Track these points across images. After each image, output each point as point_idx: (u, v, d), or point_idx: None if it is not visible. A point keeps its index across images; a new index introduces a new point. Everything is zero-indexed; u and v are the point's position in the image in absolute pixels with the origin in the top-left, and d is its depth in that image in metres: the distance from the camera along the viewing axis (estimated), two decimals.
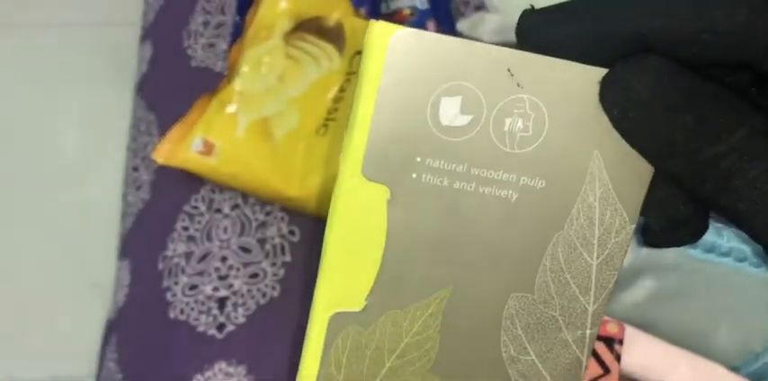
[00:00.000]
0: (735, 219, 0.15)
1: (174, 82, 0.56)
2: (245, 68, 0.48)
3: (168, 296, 0.47)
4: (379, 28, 0.17)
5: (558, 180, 0.18)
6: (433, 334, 0.19)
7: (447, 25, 0.52)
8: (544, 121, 0.18)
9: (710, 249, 0.30)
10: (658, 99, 0.15)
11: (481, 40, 0.52)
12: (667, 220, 0.18)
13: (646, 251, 0.31)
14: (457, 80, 0.17)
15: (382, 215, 0.18)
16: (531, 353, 0.20)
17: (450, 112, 0.17)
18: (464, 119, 0.17)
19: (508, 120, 0.17)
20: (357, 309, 0.19)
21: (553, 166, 0.18)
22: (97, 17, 1.07)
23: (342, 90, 0.48)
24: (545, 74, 0.17)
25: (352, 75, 0.48)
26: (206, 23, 0.56)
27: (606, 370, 0.32)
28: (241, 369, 0.44)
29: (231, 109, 0.48)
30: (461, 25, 0.52)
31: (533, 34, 0.17)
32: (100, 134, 1.00)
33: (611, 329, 0.33)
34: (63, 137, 1.02)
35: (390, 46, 0.17)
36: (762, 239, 0.15)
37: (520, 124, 0.18)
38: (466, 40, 0.17)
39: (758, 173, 0.14)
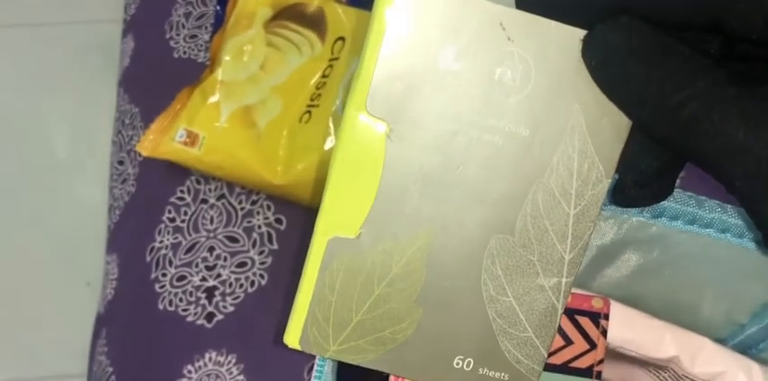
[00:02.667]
0: (702, 163, 0.16)
1: (157, 74, 0.56)
2: (226, 57, 0.48)
3: (156, 287, 0.47)
4: None
5: (541, 129, 0.20)
6: (419, 267, 0.21)
7: None
8: (530, 74, 0.19)
9: (692, 221, 0.30)
10: (632, 52, 0.17)
11: None
12: (639, 174, 0.19)
13: (628, 225, 0.31)
14: (454, 30, 0.19)
15: (381, 149, 0.20)
16: (509, 294, 0.21)
17: (448, 59, 0.19)
18: (458, 66, 0.19)
19: (498, 70, 0.19)
20: (352, 236, 0.20)
21: (536, 116, 0.20)
22: (85, 15, 1.07)
23: (324, 76, 0.48)
24: (534, 31, 0.19)
25: (333, 61, 0.48)
26: (188, 15, 0.56)
27: (592, 345, 0.32)
28: (231, 358, 0.44)
29: (214, 98, 0.48)
30: None
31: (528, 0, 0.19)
32: (90, 131, 1.00)
33: (596, 304, 0.33)
34: (53, 135, 1.02)
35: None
36: (727, 180, 0.16)
37: (509, 75, 0.19)
38: None
39: (719, 116, 0.16)
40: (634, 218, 0.30)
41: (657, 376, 0.34)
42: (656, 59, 0.17)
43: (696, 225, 0.30)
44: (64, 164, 1.00)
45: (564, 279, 0.22)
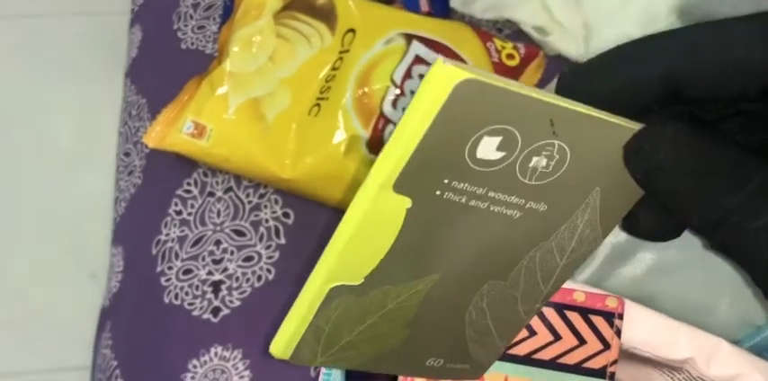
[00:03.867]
0: (740, 263, 0.17)
1: (165, 65, 0.55)
2: (235, 49, 0.48)
3: (162, 280, 0.46)
4: (446, 71, 0.17)
5: (558, 206, 0.21)
6: (414, 304, 0.22)
7: (439, 2, 0.51)
8: (565, 162, 0.20)
9: None
10: (676, 167, 0.18)
11: (474, 17, 0.51)
12: (660, 224, 0.20)
13: None
14: (503, 124, 0.18)
15: (399, 219, 0.20)
16: (488, 318, 0.24)
17: (488, 148, 0.19)
18: (497, 155, 0.19)
19: (535, 159, 0.19)
20: (355, 283, 0.21)
21: (558, 196, 0.21)
22: (91, 6, 1.06)
23: (334, 68, 0.47)
24: (580, 127, 0.19)
25: (344, 53, 0.47)
26: (196, 5, 0.55)
27: (606, 345, 0.32)
28: (237, 353, 0.43)
29: (222, 90, 0.47)
30: (454, 2, 0.51)
31: (573, 93, 0.19)
32: (96, 123, 0.99)
33: (611, 303, 0.32)
34: (59, 127, 1.01)
35: (453, 89, 0.17)
36: (762, 285, 0.17)
37: (543, 163, 0.20)
38: (523, 92, 0.18)
39: (761, 226, 0.16)
40: None
41: (672, 378, 0.33)
42: (702, 171, 0.17)
43: None
44: (69, 156, 1.00)
45: (538, 305, 0.24)
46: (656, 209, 0.20)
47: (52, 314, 0.93)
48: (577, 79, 0.20)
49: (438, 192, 0.19)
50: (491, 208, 0.20)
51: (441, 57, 0.18)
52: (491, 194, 0.20)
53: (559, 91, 0.20)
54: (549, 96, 0.18)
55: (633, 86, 0.19)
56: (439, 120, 0.18)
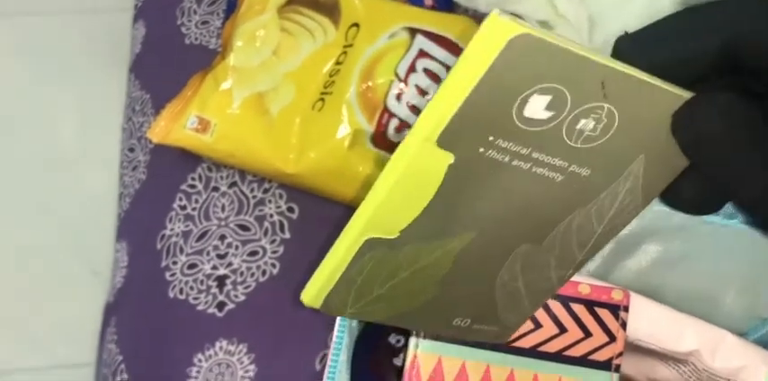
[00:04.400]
0: None
1: (169, 60, 0.55)
2: (238, 43, 0.48)
3: (167, 275, 0.46)
4: (501, 25, 0.17)
5: (601, 171, 0.20)
6: (447, 262, 0.22)
7: None
8: (612, 127, 0.19)
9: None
10: (727, 138, 0.17)
11: (478, 10, 0.51)
12: (702, 197, 0.20)
13: (650, 215, 0.30)
14: (554, 83, 0.18)
15: (440, 175, 0.20)
16: (520, 282, 0.24)
17: (536, 107, 0.18)
18: (545, 114, 0.19)
19: (583, 121, 0.19)
20: (390, 237, 0.21)
21: (602, 161, 0.20)
22: (93, 3, 1.06)
23: (338, 63, 0.47)
24: (631, 91, 0.19)
25: (348, 47, 0.47)
26: (199, 0, 0.55)
27: (612, 338, 0.32)
28: (242, 347, 0.43)
29: (226, 85, 0.47)
30: None
31: (630, 60, 0.18)
32: (99, 120, 0.99)
33: (616, 296, 0.32)
34: (62, 125, 1.01)
35: (507, 44, 0.17)
36: None
37: (591, 125, 0.19)
38: (577, 52, 0.17)
39: None
40: (656, 208, 0.30)
41: (677, 370, 0.33)
42: (749, 145, 0.17)
43: (720, 215, 0.29)
44: (73, 154, 1.00)
45: (570, 272, 0.24)
46: (699, 182, 0.20)
47: (54, 311, 0.93)
48: (634, 44, 0.19)
49: (481, 150, 0.19)
50: (533, 170, 0.20)
51: (497, 10, 0.17)
52: (535, 155, 0.19)
53: (615, 55, 0.19)
54: (603, 58, 0.18)
55: (692, 54, 0.18)
56: (489, 75, 0.17)
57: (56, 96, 1.02)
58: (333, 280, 0.22)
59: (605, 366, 0.32)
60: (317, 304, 0.23)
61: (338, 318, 0.30)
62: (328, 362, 0.29)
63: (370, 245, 0.21)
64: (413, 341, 0.32)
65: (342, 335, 0.30)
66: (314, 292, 0.23)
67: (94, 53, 1.03)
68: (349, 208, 0.46)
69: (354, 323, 0.31)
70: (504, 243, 0.22)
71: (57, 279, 0.94)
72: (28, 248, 0.95)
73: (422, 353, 0.32)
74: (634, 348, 0.33)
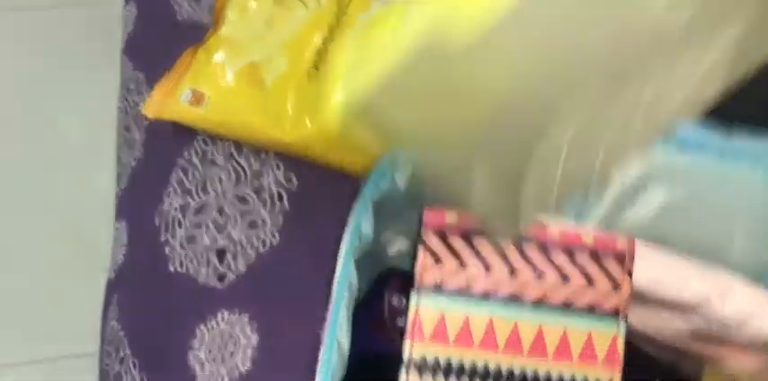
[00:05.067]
0: None
1: (161, 39, 0.54)
2: (230, 15, 0.47)
3: (167, 249, 0.46)
4: None
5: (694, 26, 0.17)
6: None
7: None
8: None
9: (721, 152, 0.29)
10: None
11: None
12: None
13: (654, 159, 0.29)
14: None
15: None
16: (561, 160, 0.20)
17: None
18: None
19: None
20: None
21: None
22: None
23: (331, 31, 0.46)
24: None
25: (341, 16, 0.47)
26: None
27: (617, 286, 0.31)
28: (244, 317, 0.43)
29: (218, 57, 0.46)
30: None
31: None
32: (101, 116, 0.98)
33: (621, 244, 0.31)
34: (64, 121, 1.01)
35: None
36: None
37: None
38: None
39: None
40: (659, 154, 0.29)
41: (686, 320, 0.33)
42: None
43: (727, 156, 0.28)
44: (78, 149, 0.99)
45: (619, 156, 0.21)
46: None
47: (60, 305, 0.92)
48: None
49: None
50: None
51: None
52: None
53: None
54: None
55: None
56: None
57: (57, 93, 1.02)
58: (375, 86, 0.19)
59: (612, 314, 0.31)
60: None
61: (337, 271, 0.29)
62: (328, 319, 0.29)
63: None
64: (414, 297, 0.31)
65: (342, 289, 0.29)
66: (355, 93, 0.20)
67: (94, 47, 1.02)
68: (348, 177, 0.45)
69: (354, 279, 0.30)
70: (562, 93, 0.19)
71: (64, 271, 0.94)
72: (35, 241, 0.95)
73: (424, 309, 0.31)
74: (641, 299, 0.33)
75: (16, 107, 1.01)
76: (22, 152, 0.99)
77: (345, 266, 0.29)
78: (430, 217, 0.32)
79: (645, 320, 0.34)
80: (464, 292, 0.31)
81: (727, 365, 0.35)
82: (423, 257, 0.31)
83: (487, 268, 0.31)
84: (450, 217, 0.32)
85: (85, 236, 0.95)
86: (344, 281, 0.29)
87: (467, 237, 0.31)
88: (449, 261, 0.31)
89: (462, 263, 0.31)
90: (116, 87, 0.71)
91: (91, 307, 0.73)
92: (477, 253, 0.31)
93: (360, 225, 0.29)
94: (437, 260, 0.31)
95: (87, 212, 0.94)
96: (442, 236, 0.31)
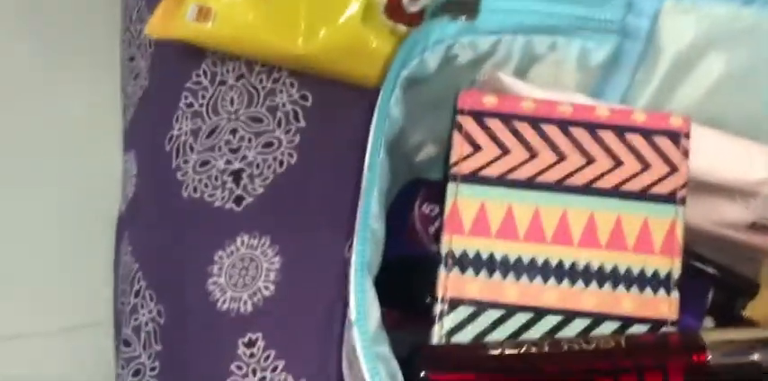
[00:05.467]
0: None
1: None
2: None
3: (179, 175, 0.43)
4: None
5: None
6: None
7: None
8: None
9: None
10: None
11: None
12: None
13: (710, 19, 0.26)
14: None
15: None
16: None
17: None
18: None
19: None
20: None
21: None
22: None
23: None
24: None
25: None
26: None
27: (673, 168, 0.28)
28: (265, 240, 0.40)
29: None
30: None
31: None
32: (109, 93, 0.96)
33: (675, 122, 0.29)
34: (70, 98, 0.98)
35: None
36: None
37: None
38: None
39: None
40: (721, 8, 0.26)
41: (746, 206, 0.30)
42: None
43: None
44: (83, 126, 0.97)
45: None
46: None
47: (73, 274, 0.90)
48: None
49: None
50: None
51: None
52: None
53: None
54: None
55: None
56: None
57: (60, 69, 0.99)
58: None
59: (669, 199, 0.28)
60: None
61: (367, 155, 0.27)
62: (360, 207, 0.26)
63: None
64: (451, 187, 0.29)
65: (372, 175, 0.26)
66: None
67: (98, 21, 0.99)
68: (365, 91, 0.43)
69: (385, 164, 0.27)
70: None
71: (72, 241, 0.92)
72: (44, 216, 0.93)
73: (462, 200, 0.29)
74: (696, 186, 0.30)
75: (19, 83, 0.98)
76: (26, 123, 0.97)
77: (374, 149, 0.26)
78: (465, 99, 0.29)
79: (702, 211, 0.31)
80: (506, 180, 0.28)
81: None
82: (459, 143, 0.29)
83: (531, 153, 0.29)
84: (489, 100, 0.29)
85: (95, 206, 0.92)
86: (375, 166, 0.26)
87: (507, 121, 0.29)
88: (488, 147, 0.29)
89: (503, 149, 0.29)
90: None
91: (103, 277, 0.71)
92: (520, 138, 0.29)
93: (388, 105, 0.27)
94: (475, 146, 0.29)
95: (95, 186, 0.92)
96: (480, 121, 0.29)
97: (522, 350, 0.26)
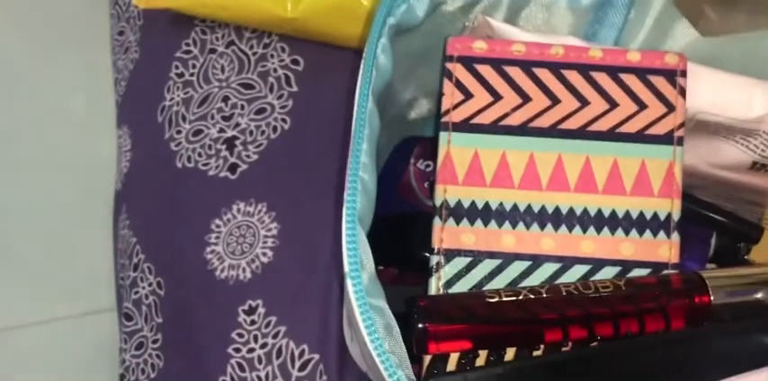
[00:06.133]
0: None
1: None
2: None
3: (172, 145, 0.43)
4: None
5: None
6: None
7: None
8: None
9: None
10: None
11: None
12: None
13: None
14: None
15: None
16: None
17: None
18: None
19: None
20: None
21: None
22: None
23: None
24: None
25: None
26: None
27: (670, 108, 0.28)
28: (261, 207, 0.40)
29: None
30: None
31: None
32: (105, 88, 0.95)
33: (671, 60, 0.28)
34: (68, 92, 0.97)
35: None
36: None
37: None
38: None
39: None
40: None
41: (746, 146, 0.29)
42: None
43: None
44: (79, 113, 0.96)
45: None
46: None
47: (75, 260, 0.90)
48: None
49: None
50: None
51: None
52: None
53: None
54: None
55: None
56: None
57: (57, 63, 0.98)
58: None
59: (666, 139, 0.28)
60: None
61: (355, 105, 0.26)
62: (349, 158, 0.25)
63: None
64: (443, 136, 0.28)
65: (360, 124, 0.26)
66: None
67: (94, 12, 0.98)
68: (356, 54, 0.42)
69: (375, 116, 0.27)
70: None
71: (79, 228, 0.92)
72: (46, 204, 0.92)
73: (455, 148, 0.28)
74: (693, 127, 0.29)
75: (14, 73, 0.98)
76: (23, 111, 0.96)
77: (361, 100, 0.26)
78: (455, 45, 0.28)
79: (701, 153, 0.30)
80: (499, 126, 0.28)
81: None
82: (450, 91, 0.28)
83: (524, 98, 0.28)
84: (479, 45, 0.28)
85: (95, 195, 0.92)
86: (363, 115, 0.26)
87: (498, 66, 0.28)
88: (480, 94, 0.28)
89: (495, 95, 0.28)
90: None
91: (104, 265, 0.70)
92: (512, 83, 0.28)
93: (375, 52, 0.26)
94: (466, 93, 0.28)
95: (92, 174, 0.91)
96: (470, 67, 0.28)
97: (521, 297, 0.25)
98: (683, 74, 0.28)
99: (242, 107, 0.42)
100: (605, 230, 0.27)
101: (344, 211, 0.25)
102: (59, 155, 0.96)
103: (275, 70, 0.43)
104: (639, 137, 0.28)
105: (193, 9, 0.43)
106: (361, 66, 0.26)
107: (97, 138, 0.91)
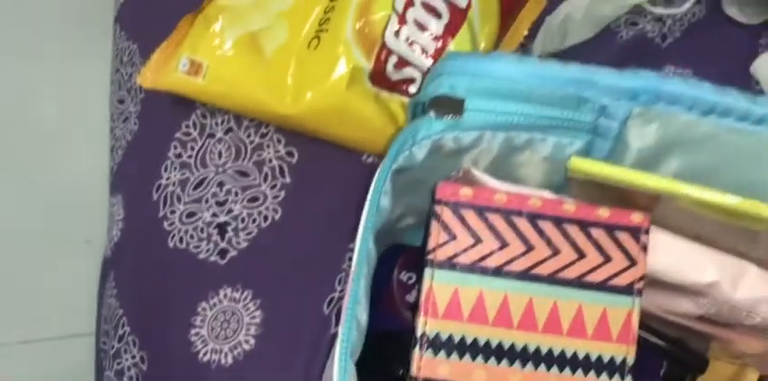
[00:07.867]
0: None
1: (155, 7, 0.53)
2: None
3: (165, 225, 0.45)
4: None
5: None
6: None
7: None
8: None
9: (744, 116, 0.28)
10: None
11: None
12: None
13: (674, 125, 0.28)
14: None
15: None
16: None
17: None
18: None
19: None
20: None
21: None
22: None
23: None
24: None
25: None
26: None
27: (632, 262, 0.31)
28: (247, 294, 0.42)
29: (217, 25, 0.45)
30: None
31: None
32: (83, 92, 0.96)
33: (636, 218, 0.31)
34: (44, 98, 0.98)
35: None
36: None
37: None
38: None
39: None
40: (682, 117, 0.28)
41: (696, 303, 0.32)
42: None
43: (748, 121, 0.28)
44: (61, 126, 0.97)
45: None
46: None
47: (49, 282, 0.91)
48: None
49: None
50: None
51: None
52: None
53: None
54: None
55: None
56: None
57: (36, 69, 0.98)
58: None
59: (626, 290, 0.30)
60: None
61: (357, 245, 0.29)
62: (347, 295, 0.28)
63: None
64: (428, 272, 0.31)
65: (361, 264, 0.28)
66: None
67: (76, 22, 0.99)
68: (349, 152, 0.44)
69: (373, 254, 0.29)
70: None
71: (48, 250, 0.92)
72: (19, 224, 0.93)
73: (437, 285, 0.31)
74: (652, 282, 0.32)
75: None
76: (3, 127, 0.96)
77: (364, 240, 0.28)
78: (444, 191, 0.31)
79: (656, 302, 0.33)
80: (478, 267, 0.30)
81: (734, 346, 0.35)
82: (436, 231, 0.31)
83: (502, 243, 0.31)
84: (465, 192, 0.31)
85: (76, 215, 0.93)
86: (364, 256, 0.28)
87: (481, 213, 0.31)
88: (463, 236, 0.31)
89: (476, 238, 0.31)
90: (103, 57, 0.69)
91: (82, 287, 0.72)
92: (492, 229, 0.31)
93: (379, 197, 0.28)
94: (451, 235, 0.31)
95: (71, 190, 0.92)
96: (456, 211, 0.31)
97: None
98: (647, 231, 0.31)
99: (236, 193, 0.44)
100: (567, 370, 0.30)
101: (339, 344, 0.27)
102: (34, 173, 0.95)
103: (270, 160, 0.45)
104: (603, 287, 0.31)
105: (196, 96, 0.45)
106: (365, 209, 0.29)
107: (73, 167, 0.92)
